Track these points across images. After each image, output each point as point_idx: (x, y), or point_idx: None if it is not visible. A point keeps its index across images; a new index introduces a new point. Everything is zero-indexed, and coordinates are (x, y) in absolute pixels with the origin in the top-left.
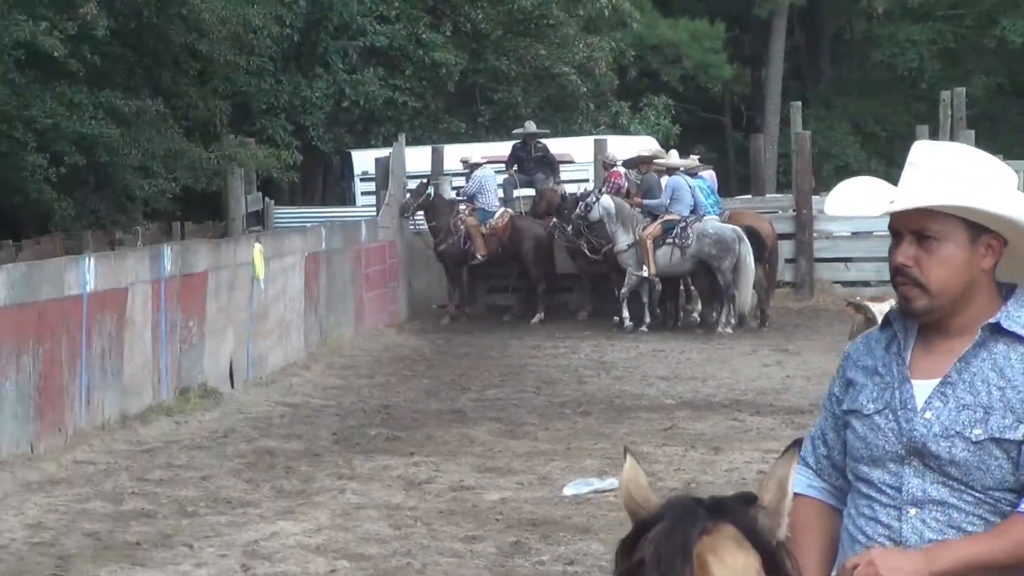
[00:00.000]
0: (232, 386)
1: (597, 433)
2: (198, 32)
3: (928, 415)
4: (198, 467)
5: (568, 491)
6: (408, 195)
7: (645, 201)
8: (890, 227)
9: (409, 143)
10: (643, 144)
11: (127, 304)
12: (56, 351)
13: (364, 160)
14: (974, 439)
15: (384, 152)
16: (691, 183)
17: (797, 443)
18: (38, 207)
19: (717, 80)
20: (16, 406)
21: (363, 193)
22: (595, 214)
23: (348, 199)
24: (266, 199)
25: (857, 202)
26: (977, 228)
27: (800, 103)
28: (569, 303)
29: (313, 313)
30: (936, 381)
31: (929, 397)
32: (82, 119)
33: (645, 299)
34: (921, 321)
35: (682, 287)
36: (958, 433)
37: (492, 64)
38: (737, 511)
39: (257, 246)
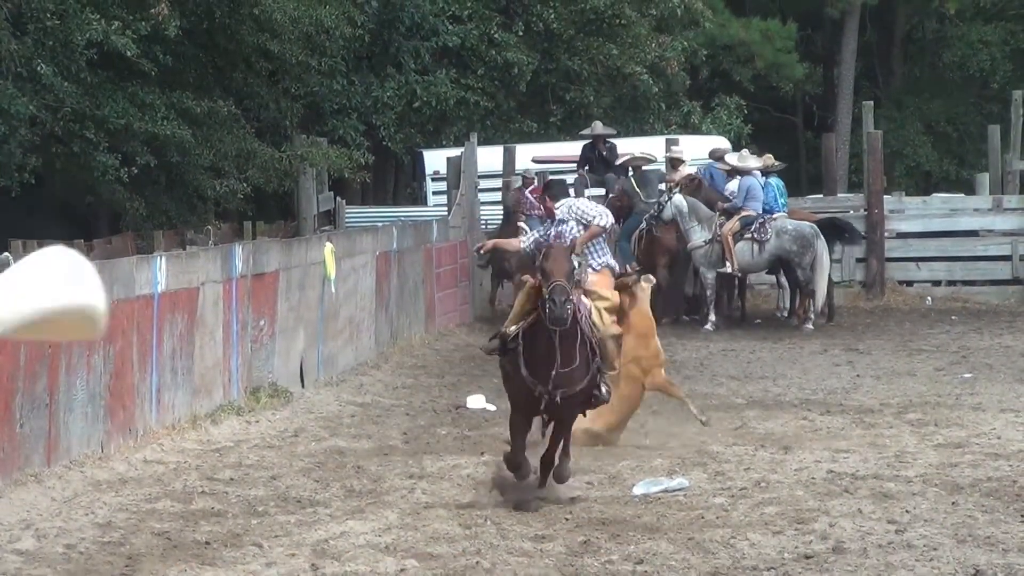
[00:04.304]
0: (302, 386)
1: (667, 433)
2: (270, 32)
3: None
4: (268, 467)
5: (638, 490)
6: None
7: (727, 205)
8: None
9: (480, 143)
10: (713, 143)
11: (198, 304)
12: (127, 351)
13: (435, 160)
14: None
15: (455, 152)
16: (763, 182)
17: None
18: (110, 207)
19: (789, 80)
20: (87, 406)
21: (434, 193)
22: (667, 213)
23: (419, 199)
24: (337, 199)
25: None
26: None
27: (872, 103)
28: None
29: (384, 313)
30: None
31: None
32: (154, 119)
33: (713, 297)
34: None
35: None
36: None
37: (564, 64)
38: None
39: (328, 246)
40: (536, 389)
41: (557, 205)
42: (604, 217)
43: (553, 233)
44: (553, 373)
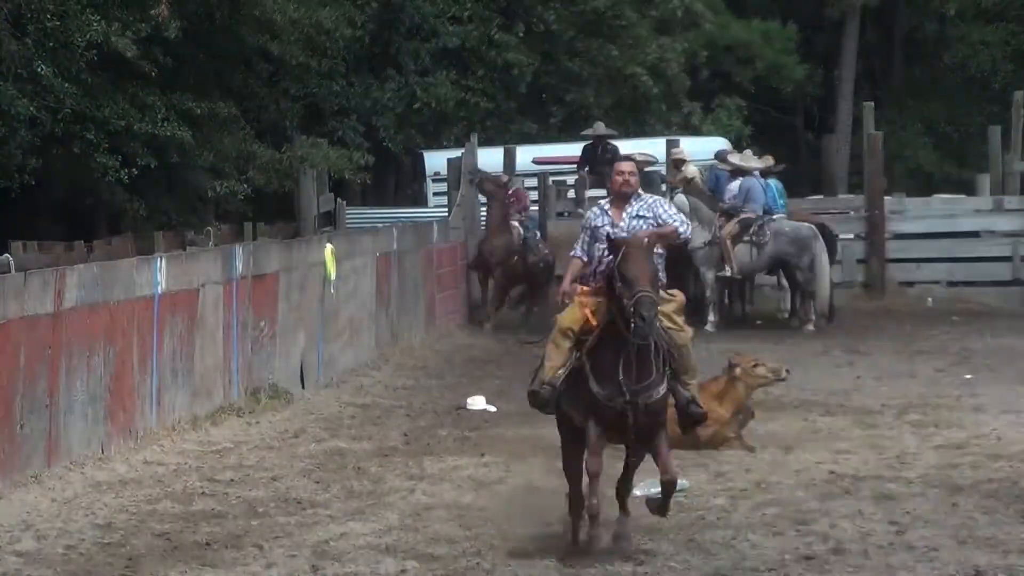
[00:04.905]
0: (303, 387)
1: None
2: (270, 34)
3: None
4: (268, 468)
5: (639, 492)
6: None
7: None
8: None
9: (481, 144)
10: (715, 145)
11: (198, 305)
12: (127, 352)
13: (436, 161)
14: None
15: (456, 153)
16: (763, 183)
17: None
18: (110, 208)
19: (789, 81)
20: (87, 407)
21: (435, 194)
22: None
23: (420, 200)
24: (338, 200)
25: None
26: None
27: (872, 104)
28: None
29: (384, 314)
30: None
31: None
32: (154, 120)
33: (714, 298)
34: None
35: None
36: None
37: (564, 65)
38: None
39: (328, 246)
40: (615, 401)
41: (639, 199)
42: (685, 224)
43: (627, 227)
44: (629, 382)
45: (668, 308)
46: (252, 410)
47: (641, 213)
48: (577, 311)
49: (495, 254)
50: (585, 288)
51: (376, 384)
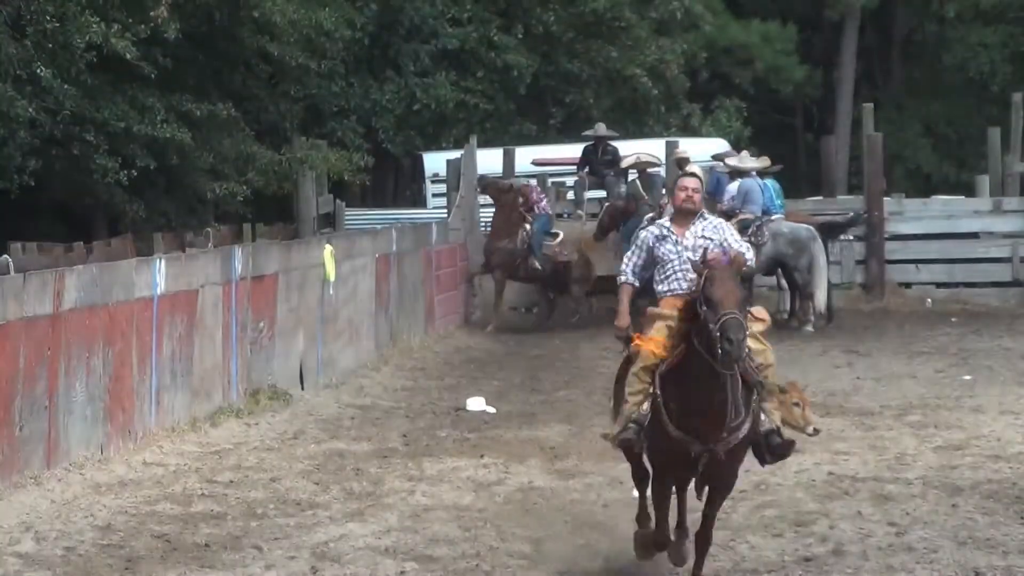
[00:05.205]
0: (302, 388)
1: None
2: (269, 35)
3: None
4: (267, 469)
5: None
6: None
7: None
8: None
9: (480, 145)
10: (714, 146)
11: (197, 306)
12: (126, 353)
13: (435, 162)
14: None
15: (455, 154)
16: (761, 184)
17: None
18: (109, 209)
19: (788, 82)
20: (86, 408)
21: (434, 195)
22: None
23: (419, 201)
24: (337, 201)
25: None
26: None
27: (871, 105)
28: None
29: (383, 315)
30: None
31: None
32: (153, 122)
33: None
34: None
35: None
36: None
37: (563, 66)
38: None
39: (328, 248)
40: (692, 448)
41: (704, 218)
42: (750, 251)
43: (692, 246)
44: (709, 424)
45: (755, 328)
46: (251, 411)
47: (707, 234)
48: (653, 351)
49: (495, 257)
50: (655, 310)
51: (375, 385)
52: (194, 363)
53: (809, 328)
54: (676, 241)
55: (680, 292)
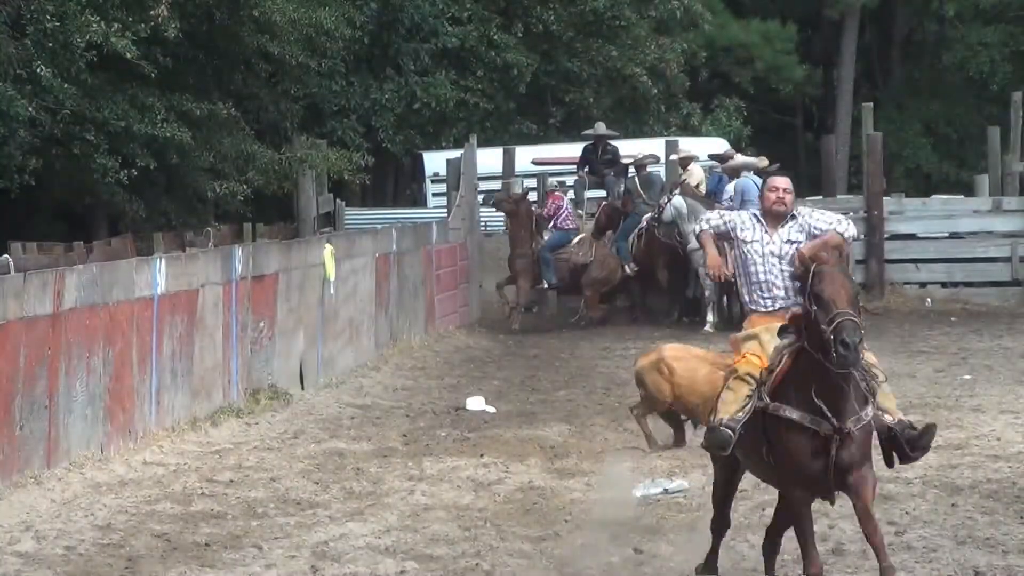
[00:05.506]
0: (302, 387)
1: (667, 434)
2: (269, 34)
3: None
4: (267, 468)
5: (638, 492)
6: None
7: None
8: None
9: (480, 144)
10: (714, 145)
11: (198, 306)
12: (126, 353)
13: (435, 161)
14: None
15: (455, 153)
16: (759, 183)
17: None
18: (109, 209)
19: (788, 81)
20: (86, 407)
21: (434, 194)
22: (667, 214)
23: (419, 200)
24: (337, 200)
25: None
26: None
27: (871, 104)
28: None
29: (383, 314)
30: None
31: None
32: (154, 121)
33: (713, 298)
34: None
35: None
36: None
37: (563, 65)
38: None
39: (328, 247)
40: (822, 427)
41: (793, 220)
42: (843, 223)
43: (779, 251)
44: (832, 408)
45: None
46: (251, 411)
47: (793, 237)
48: (755, 359)
49: (516, 267)
50: (758, 317)
51: (375, 385)
52: (194, 363)
53: None
54: (764, 243)
55: (770, 310)
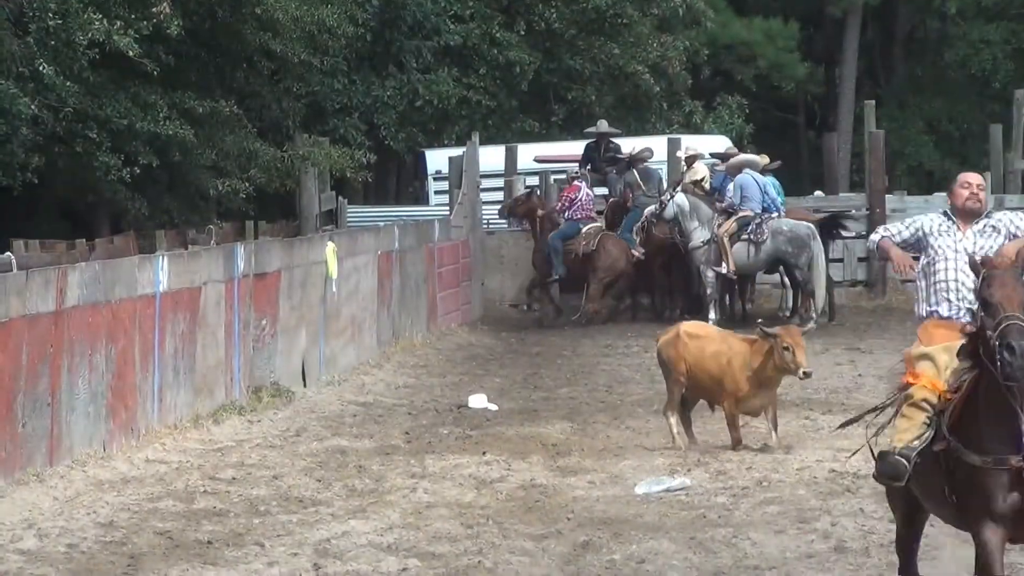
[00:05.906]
0: (304, 385)
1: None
2: (272, 32)
3: None
4: (270, 466)
5: (640, 490)
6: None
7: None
8: None
9: (482, 142)
10: (716, 143)
11: (200, 303)
12: (129, 350)
13: (437, 159)
14: None
15: (457, 151)
16: (760, 180)
17: None
18: (112, 206)
19: (791, 79)
20: (88, 405)
21: (436, 192)
22: (669, 211)
23: (421, 198)
24: (339, 198)
25: None
26: None
27: (873, 102)
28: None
29: (386, 312)
30: None
31: None
32: (156, 119)
33: (714, 295)
34: None
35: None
36: None
37: (566, 63)
38: None
39: (330, 245)
40: (1010, 461)
41: (988, 217)
42: None
43: (970, 246)
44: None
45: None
46: (254, 408)
47: (985, 236)
48: (931, 384)
49: (537, 262)
50: (934, 325)
51: (377, 382)
52: (196, 360)
53: (811, 326)
54: (957, 240)
55: (948, 314)
